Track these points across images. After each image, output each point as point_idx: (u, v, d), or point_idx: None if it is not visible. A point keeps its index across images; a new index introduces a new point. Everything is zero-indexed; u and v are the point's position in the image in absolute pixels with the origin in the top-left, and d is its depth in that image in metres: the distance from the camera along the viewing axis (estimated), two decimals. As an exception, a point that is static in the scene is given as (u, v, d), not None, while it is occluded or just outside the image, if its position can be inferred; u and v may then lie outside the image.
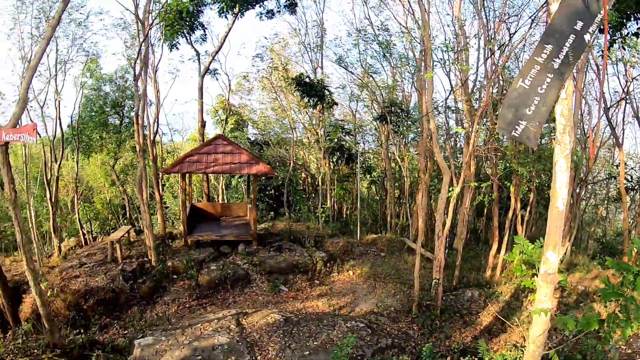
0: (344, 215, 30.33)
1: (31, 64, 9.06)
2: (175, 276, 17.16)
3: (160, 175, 25.44)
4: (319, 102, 25.82)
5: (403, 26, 22.35)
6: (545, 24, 6.40)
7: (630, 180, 21.67)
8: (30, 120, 24.44)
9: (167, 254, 18.50)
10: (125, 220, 32.25)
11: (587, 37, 4.83)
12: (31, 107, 23.98)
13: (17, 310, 13.93)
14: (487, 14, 18.49)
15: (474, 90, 21.41)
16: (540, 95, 4.87)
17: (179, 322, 13.19)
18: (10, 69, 48.35)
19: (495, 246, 18.19)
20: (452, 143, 24.64)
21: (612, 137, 21.45)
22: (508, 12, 18.57)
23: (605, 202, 26.83)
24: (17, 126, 8.81)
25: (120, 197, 34.83)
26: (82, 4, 25.38)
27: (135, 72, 18.57)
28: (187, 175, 20.87)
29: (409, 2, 20.95)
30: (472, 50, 21.04)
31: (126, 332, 13.84)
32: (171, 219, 31.25)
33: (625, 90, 18.45)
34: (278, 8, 25.35)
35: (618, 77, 17.94)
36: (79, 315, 14.88)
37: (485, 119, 18.48)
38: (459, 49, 19.37)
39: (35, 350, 9.77)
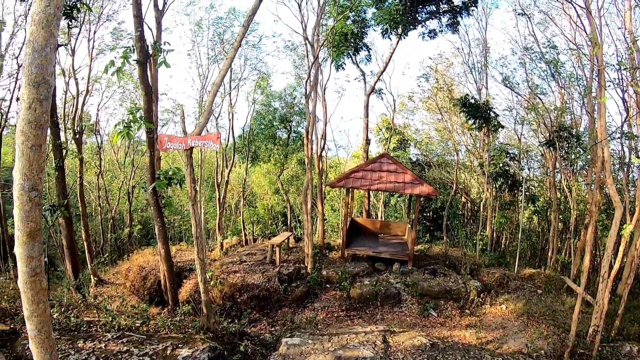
0: (502, 245, 29.04)
1: (216, 81, 10.04)
2: (328, 285, 17.62)
3: (324, 188, 26.38)
4: (484, 125, 25.05)
5: (571, 42, 20.96)
6: None
7: None
8: (207, 129, 26.79)
9: (322, 263, 19.12)
10: (284, 227, 33.88)
11: None
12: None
13: (177, 293, 15.32)
14: None
15: None
16: None
17: (326, 329, 13.54)
18: (190, 84, 53.83)
19: (669, 296, 16.09)
20: (626, 174, 22.29)
21: None
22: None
23: None
24: (202, 134, 9.78)
25: (281, 204, 36.74)
26: (253, 28, 27.38)
27: (306, 91, 19.61)
28: (351, 190, 21.24)
29: (577, 15, 19.53)
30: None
31: (273, 329, 14.56)
32: (328, 230, 32.15)
33: None
34: (440, 27, 25.00)
35: None
36: (232, 307, 16.16)
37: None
38: (634, 67, 17.52)
39: (190, 330, 10.65)
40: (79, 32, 23.68)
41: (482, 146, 28.63)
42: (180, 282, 18.38)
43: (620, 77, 18.62)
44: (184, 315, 12.50)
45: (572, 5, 17.55)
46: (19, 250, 3.98)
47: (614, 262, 13.40)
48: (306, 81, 19.71)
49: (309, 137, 19.08)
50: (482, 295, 17.65)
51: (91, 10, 22.64)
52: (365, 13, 25.67)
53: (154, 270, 19.47)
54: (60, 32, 21.51)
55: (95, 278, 20.38)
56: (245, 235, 28.68)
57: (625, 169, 22.01)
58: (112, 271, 22.19)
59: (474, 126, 25.78)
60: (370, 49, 27.46)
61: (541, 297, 18.30)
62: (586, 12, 15.80)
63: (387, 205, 34.11)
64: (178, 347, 9.01)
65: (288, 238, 21.48)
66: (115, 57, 9.59)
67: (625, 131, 19.81)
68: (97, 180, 31.45)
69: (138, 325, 10.67)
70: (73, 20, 18.79)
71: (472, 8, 24.30)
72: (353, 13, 24.75)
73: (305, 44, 19.90)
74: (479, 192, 31.96)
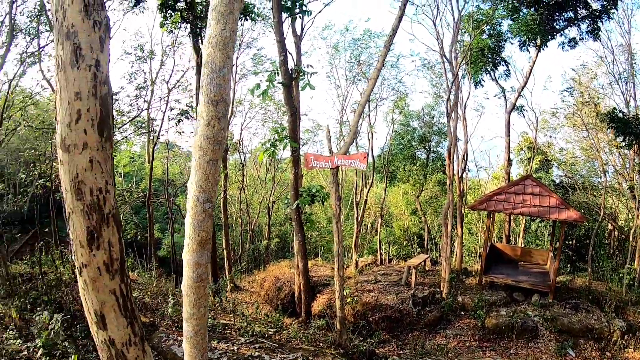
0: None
1: (361, 101, 10.26)
2: (462, 312, 17.06)
3: (464, 211, 25.72)
4: (634, 142, 22.89)
5: None
6: None
7: None
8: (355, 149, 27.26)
9: (458, 289, 18.55)
10: (419, 249, 33.43)
11: None
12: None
13: (311, 306, 15.61)
14: None
15: None
16: None
17: (457, 358, 13.11)
18: (330, 105, 55.35)
19: None
20: None
21: None
22: None
23: None
24: (348, 153, 10.01)
25: (418, 225, 36.32)
26: (390, 47, 27.55)
27: (447, 110, 19.32)
28: (492, 214, 20.55)
29: None
30: None
31: (402, 352, 14.31)
32: (465, 255, 31.30)
33: None
34: (580, 35, 23.19)
35: None
36: (363, 325, 16.10)
37: None
38: None
39: (321, 344, 10.83)
40: None
41: (632, 166, 26.26)
42: (314, 296, 18.77)
43: None
44: (317, 328, 12.75)
45: None
46: (187, 256, 4.27)
47: None
48: (447, 100, 19.42)
49: (451, 157, 18.71)
50: (626, 336, 16.00)
51: (234, 38, 24.20)
52: (500, 26, 24.84)
53: (289, 282, 20.08)
54: None
55: (232, 284, 21.56)
56: (380, 254, 28.72)
57: None
58: (247, 279, 23.29)
59: (623, 144, 23.56)
60: (509, 63, 26.50)
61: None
62: None
63: (528, 230, 32.40)
64: (308, 359, 9.19)
65: (424, 260, 21.19)
66: (260, 81, 10.08)
67: None
68: (239, 194, 33.43)
69: (271, 333, 11.05)
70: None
71: (612, 11, 22.39)
72: (488, 27, 24.08)
73: (443, 61, 19.67)
74: (628, 219, 29.29)
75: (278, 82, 11.09)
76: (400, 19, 11.03)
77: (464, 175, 25.22)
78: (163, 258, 33.57)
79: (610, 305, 17.58)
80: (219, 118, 4.01)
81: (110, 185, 4.12)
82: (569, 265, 26.59)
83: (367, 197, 28.75)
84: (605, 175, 28.85)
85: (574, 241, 28.35)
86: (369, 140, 29.03)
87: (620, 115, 22.43)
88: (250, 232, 34.60)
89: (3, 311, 10.71)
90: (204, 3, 18.85)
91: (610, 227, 29.34)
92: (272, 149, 10.00)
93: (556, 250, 18.79)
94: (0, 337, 9.43)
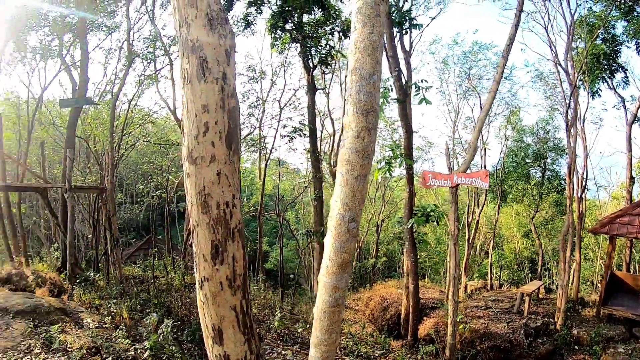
0: None
1: (480, 116, 9.84)
2: (576, 347, 15.68)
3: (582, 235, 24.03)
4: None
5: None
6: None
7: None
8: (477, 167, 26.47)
9: (574, 320, 17.20)
10: (531, 274, 31.80)
11: None
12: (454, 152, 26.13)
13: (418, 329, 15.03)
14: None
15: None
16: None
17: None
18: (442, 121, 54.34)
19: None
20: None
21: None
22: None
23: None
24: (468, 171, 9.61)
25: (530, 249, 34.56)
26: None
27: (566, 124, 18.18)
28: (614, 238, 18.97)
29: None
30: None
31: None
32: (580, 283, 29.34)
33: None
34: None
35: None
36: (471, 354, 15.18)
37: None
38: None
39: None
40: (332, 77, 25.75)
41: None
42: (420, 318, 18.19)
43: None
44: (425, 354, 12.31)
45: None
46: (325, 279, 4.03)
47: None
48: (565, 113, 18.28)
49: (571, 175, 17.49)
50: None
51: (344, 57, 24.48)
52: (614, 29, 22.97)
53: (396, 302, 19.62)
54: (318, 77, 23.80)
55: None
56: (491, 279, 27.56)
57: None
58: (353, 297, 23.08)
59: None
60: (626, 69, 24.35)
61: None
62: None
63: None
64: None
65: (538, 288, 20.00)
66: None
67: None
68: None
69: (377, 355, 10.78)
70: (327, 67, 20.31)
71: None
72: (602, 30, 22.33)
73: (557, 70, 18.56)
74: None
75: (392, 99, 10.86)
76: (516, 26, 10.57)
77: (584, 196, 23.55)
78: (269, 271, 34.22)
79: None
80: (369, 129, 3.77)
81: (237, 199, 4.05)
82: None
83: (479, 217, 27.69)
84: None
85: None
86: (481, 157, 28.05)
87: None
88: (358, 250, 34.46)
89: (115, 310, 11.20)
90: (312, 23, 19.16)
91: None
92: (387, 166, 9.75)
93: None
94: (110, 334, 9.83)
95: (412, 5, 18.88)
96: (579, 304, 19.20)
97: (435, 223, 10.86)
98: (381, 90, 10.33)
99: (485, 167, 27.33)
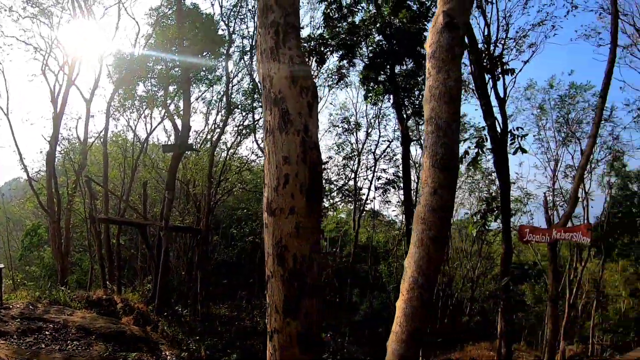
0: None
1: (581, 163, 9.39)
2: None
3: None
4: None
5: None
6: None
7: None
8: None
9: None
10: (636, 339, 29.15)
11: None
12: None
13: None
14: None
15: None
16: None
17: None
18: (541, 171, 52.09)
19: None
20: None
21: None
22: None
23: None
24: (569, 224, 9.07)
25: (638, 310, 31.81)
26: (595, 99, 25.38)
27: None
28: None
29: None
30: None
31: None
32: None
33: None
34: None
35: None
36: None
37: None
38: None
39: None
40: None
41: None
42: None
43: None
44: None
45: None
46: (393, 346, 3.81)
47: None
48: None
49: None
50: None
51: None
52: None
53: (487, 367, 18.61)
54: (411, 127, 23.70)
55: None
56: (592, 344, 25.56)
57: None
58: (442, 356, 22.16)
59: None
60: None
61: None
62: None
63: None
64: None
65: (647, 357, 18.18)
66: (469, 147, 9.66)
67: None
68: (443, 266, 32.33)
69: None
70: (421, 117, 20.16)
71: None
72: None
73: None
74: None
75: (487, 148, 10.49)
76: (612, 62, 9.98)
77: None
78: (357, 322, 33.62)
79: None
80: (448, 186, 3.57)
81: (315, 253, 3.92)
82: None
83: (581, 275, 25.92)
84: None
85: None
86: (584, 209, 26.45)
87: None
88: (451, 307, 33.13)
89: (194, 347, 11.28)
90: (404, 74, 19.15)
91: None
92: (483, 220, 9.37)
93: None
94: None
95: (503, 49, 18.53)
96: None
97: (533, 281, 10.21)
98: (475, 139, 10.06)
99: (587, 220, 25.67)
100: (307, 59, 19.98)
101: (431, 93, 3.65)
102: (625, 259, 28.89)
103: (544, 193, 9.91)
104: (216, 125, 25.27)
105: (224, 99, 23.60)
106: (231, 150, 26.37)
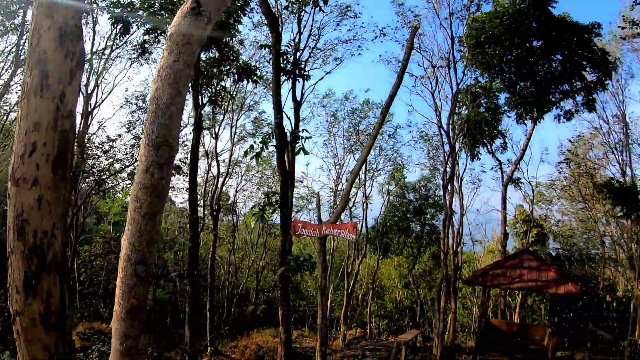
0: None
1: (354, 169, 10.05)
2: (454, 392, 16.19)
3: (458, 285, 25.02)
4: (632, 211, 22.65)
5: None
6: None
7: None
8: (340, 219, 26.87)
9: (449, 367, 17.64)
10: (411, 323, 32.55)
11: None
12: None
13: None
14: None
15: None
16: None
17: None
18: (326, 173, 55.54)
19: None
20: None
21: None
22: None
23: None
24: (338, 223, 9.62)
25: (410, 299, 35.51)
26: (388, 118, 27.89)
27: (443, 182, 19.13)
28: (487, 289, 19.91)
29: None
30: None
31: None
32: (458, 330, 30.40)
33: None
34: (575, 107, 23.53)
35: None
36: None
37: None
38: None
39: None
40: (223, 119, 25.65)
41: (630, 236, 25.87)
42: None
43: None
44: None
45: None
46: (115, 325, 3.63)
47: None
48: (443, 172, 19.34)
49: (446, 230, 18.29)
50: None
51: (234, 99, 24.34)
52: (497, 99, 24.96)
53: (272, 352, 19.25)
54: (206, 117, 23.41)
55: (212, 348, 20.76)
56: (370, 328, 27.85)
57: None
58: (230, 344, 22.44)
59: (621, 214, 23.48)
60: (505, 136, 26.39)
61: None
62: None
63: (524, 305, 31.56)
64: None
65: (416, 336, 20.37)
66: (255, 142, 9.85)
67: None
68: (229, 256, 32.76)
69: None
70: (217, 107, 20.09)
71: (607, 82, 22.73)
72: (486, 100, 24.18)
73: (440, 133, 19.64)
74: (626, 290, 28.75)
75: (272, 145, 10.75)
76: (397, 86, 10.85)
77: (459, 249, 24.70)
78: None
79: None
80: (160, 165, 3.52)
81: (57, 229, 3.63)
82: (566, 340, 25.65)
83: (358, 268, 28.17)
84: (602, 246, 28.99)
85: (571, 314, 27.52)
86: (363, 210, 28.81)
87: (617, 185, 22.73)
88: (237, 296, 33.63)
89: None
90: (208, 60, 18.77)
91: (608, 298, 28.66)
92: (261, 213, 9.60)
93: (554, 325, 18.29)
94: None
95: (308, 56, 19.33)
96: (455, 351, 19.77)
97: (308, 273, 10.74)
98: (262, 136, 10.31)
99: (366, 220, 28.22)
100: (112, 27, 18.58)
101: (159, 74, 3.65)
102: (400, 256, 32.18)
103: (318, 192, 10.57)
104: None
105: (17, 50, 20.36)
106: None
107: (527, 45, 21.25)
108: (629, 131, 26.88)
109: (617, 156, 27.20)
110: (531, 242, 31.26)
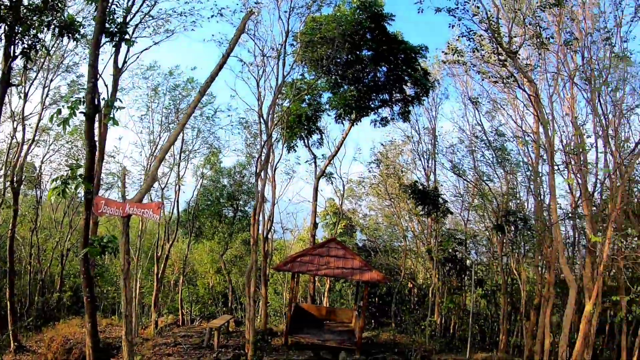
0: (452, 330, 28.53)
1: (164, 146, 9.51)
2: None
3: (268, 271, 25.41)
4: (432, 211, 25.40)
5: (519, 129, 22.63)
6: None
7: None
8: (151, 199, 25.75)
9: (265, 350, 17.96)
10: (224, 309, 32.52)
11: None
12: (153, 187, 25.39)
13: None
14: (605, 109, 17.14)
15: (594, 194, 19.85)
16: None
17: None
18: (139, 150, 52.49)
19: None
20: (571, 253, 22.59)
21: None
22: (628, 104, 17.84)
23: None
24: (143, 202, 9.05)
25: (223, 285, 35.50)
26: (210, 100, 27.41)
27: (256, 170, 19.17)
28: (296, 274, 20.56)
29: (525, 104, 20.51)
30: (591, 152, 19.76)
31: None
32: (271, 315, 31.03)
33: None
34: (392, 116, 25.91)
35: None
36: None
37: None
38: (576, 151, 18.24)
39: None
40: (35, 77, 22.86)
41: (430, 232, 29.24)
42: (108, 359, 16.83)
43: (567, 161, 18.93)
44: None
45: (524, 91, 18.66)
46: None
47: (577, 343, 13.63)
48: (257, 159, 19.36)
49: (256, 217, 18.40)
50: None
51: (50, 56, 21.97)
52: (320, 97, 26.12)
53: (80, 344, 18.15)
54: (17, 73, 20.69)
55: (15, 343, 19.14)
56: (182, 314, 27.35)
57: (574, 248, 22.44)
58: (35, 338, 20.96)
59: (423, 212, 26.19)
60: (323, 132, 27.65)
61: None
62: (534, 99, 16.79)
63: (332, 290, 33.23)
64: None
65: (228, 322, 20.44)
66: (63, 106, 8.93)
67: (575, 212, 20.14)
68: (31, 236, 29.42)
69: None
70: (30, 62, 17.89)
71: (424, 98, 25.28)
72: (309, 96, 25.14)
73: (260, 122, 19.57)
74: (426, 278, 32.12)
75: (81, 112, 9.71)
76: (220, 67, 10.44)
77: (270, 236, 25.23)
78: None
79: (415, 356, 18.64)
80: None
81: None
82: (373, 322, 27.73)
83: (169, 252, 27.28)
84: (405, 240, 31.98)
85: (377, 299, 29.88)
86: (175, 192, 27.93)
87: (421, 187, 25.21)
88: (41, 282, 30.26)
89: None
90: (29, 7, 16.52)
91: (410, 285, 31.61)
92: (63, 187, 8.64)
93: (360, 308, 19.44)
94: None
95: (139, 22, 18.07)
96: (268, 334, 20.31)
97: (113, 255, 10.02)
98: (73, 101, 9.25)
99: (178, 202, 27.61)
100: None
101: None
102: (212, 241, 31.96)
103: (123, 168, 9.90)
104: None
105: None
106: None
107: (358, 52, 22.63)
108: (436, 143, 29.81)
109: (423, 163, 30.39)
110: (340, 232, 33.18)
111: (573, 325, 16.27)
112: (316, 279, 28.19)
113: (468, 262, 27.06)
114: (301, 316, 21.96)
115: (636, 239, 17.61)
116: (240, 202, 30.84)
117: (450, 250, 26.40)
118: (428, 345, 21.37)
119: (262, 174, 18.70)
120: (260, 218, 19.74)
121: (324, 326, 21.39)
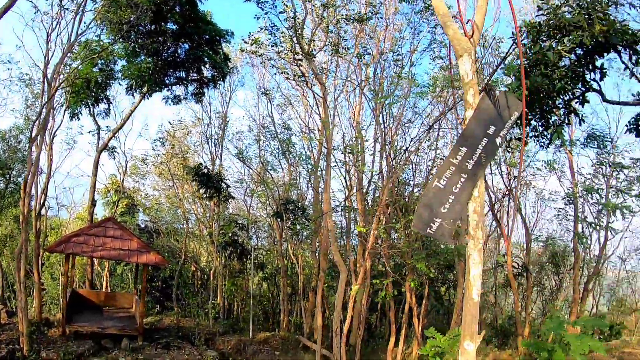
0: (235, 312, 29.49)
1: None
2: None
3: (42, 253, 23.43)
4: (215, 195, 25.84)
5: (306, 125, 24.19)
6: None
7: (516, 267, 21.23)
8: None
9: (41, 342, 16.73)
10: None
11: (498, 140, 5.21)
12: None
13: None
14: (385, 119, 20.20)
15: (369, 191, 22.80)
16: (455, 194, 5.07)
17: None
18: None
19: (392, 340, 18.77)
20: (346, 241, 25.17)
21: (497, 229, 23.44)
22: (406, 118, 20.79)
23: (494, 289, 26.54)
24: None
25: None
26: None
27: (32, 134, 17.53)
28: (71, 257, 19.49)
29: (313, 104, 22.28)
30: (369, 154, 22.96)
31: None
32: (48, 303, 28.72)
33: (508, 187, 19.66)
34: (185, 95, 25.72)
35: (502, 176, 19.68)
36: None
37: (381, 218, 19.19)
38: (354, 151, 20.73)
39: None
40: None
41: (212, 216, 29.53)
42: None
43: (345, 159, 21.44)
44: None
45: (313, 92, 20.42)
46: None
47: (345, 318, 14.92)
48: (34, 123, 17.71)
49: (28, 189, 16.80)
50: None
51: None
52: (115, 64, 24.79)
53: None
54: None
55: None
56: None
57: (345, 237, 24.86)
58: None
59: (205, 195, 26.46)
60: (112, 102, 26.38)
61: (279, 357, 19.19)
62: (322, 101, 18.73)
63: (113, 274, 31.86)
64: None
65: (-1, 312, 18.53)
66: None
67: (347, 205, 22.61)
68: None
69: None
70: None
71: (220, 82, 25.71)
72: (102, 61, 23.81)
73: (44, 81, 17.78)
74: (209, 261, 32.46)
75: None
76: (6, 9, 9.40)
77: (44, 212, 23.33)
78: None
79: (200, 339, 19.13)
80: None
81: None
82: (158, 306, 27.39)
83: None
84: (187, 222, 31.87)
85: (160, 282, 29.43)
86: None
87: (205, 170, 25.51)
88: None
89: None
90: None
91: (193, 268, 31.72)
92: None
93: (141, 292, 19.11)
94: None
95: None
96: (44, 325, 18.91)
97: None
98: None
99: None
100: None
101: None
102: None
103: None
104: None
105: None
106: None
107: (162, 24, 21.72)
108: (226, 128, 30.44)
109: (210, 147, 30.75)
110: (121, 212, 31.88)
111: (346, 305, 18.19)
112: (95, 261, 26.84)
113: (249, 246, 28.02)
114: (79, 303, 20.90)
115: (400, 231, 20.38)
116: (14, 172, 27.50)
117: (231, 235, 26.98)
118: (212, 327, 21.99)
119: (38, 139, 17.22)
120: (33, 191, 18.19)
121: (104, 313, 20.72)
